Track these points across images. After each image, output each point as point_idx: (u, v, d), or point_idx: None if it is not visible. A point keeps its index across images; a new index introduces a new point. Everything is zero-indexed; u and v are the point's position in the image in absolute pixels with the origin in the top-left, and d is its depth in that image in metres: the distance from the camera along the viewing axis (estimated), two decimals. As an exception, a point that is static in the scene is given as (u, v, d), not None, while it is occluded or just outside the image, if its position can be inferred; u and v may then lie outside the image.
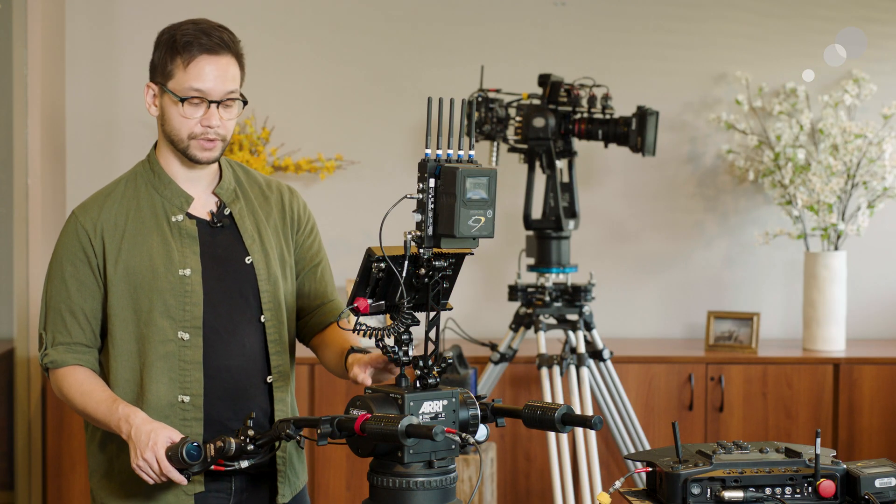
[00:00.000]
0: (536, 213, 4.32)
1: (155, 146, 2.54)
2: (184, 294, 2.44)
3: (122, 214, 2.47)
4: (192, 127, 2.43)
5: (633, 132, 4.13)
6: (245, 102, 2.49)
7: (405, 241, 2.13)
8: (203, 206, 2.52)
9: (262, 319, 2.52)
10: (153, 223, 2.47)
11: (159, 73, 2.46)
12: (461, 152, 2.12)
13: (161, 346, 2.43)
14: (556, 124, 4.19)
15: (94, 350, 2.49)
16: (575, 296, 4.26)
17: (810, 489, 2.21)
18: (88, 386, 2.44)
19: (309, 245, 2.63)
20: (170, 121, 2.45)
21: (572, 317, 4.36)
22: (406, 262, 2.14)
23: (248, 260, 2.51)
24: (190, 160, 2.47)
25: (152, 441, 2.30)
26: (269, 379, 2.53)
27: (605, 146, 4.24)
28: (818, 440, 2.20)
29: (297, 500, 2.61)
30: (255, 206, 2.57)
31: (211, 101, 2.42)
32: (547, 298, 4.24)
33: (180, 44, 2.42)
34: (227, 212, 2.53)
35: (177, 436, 2.32)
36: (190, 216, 2.50)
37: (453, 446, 2.12)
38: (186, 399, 2.44)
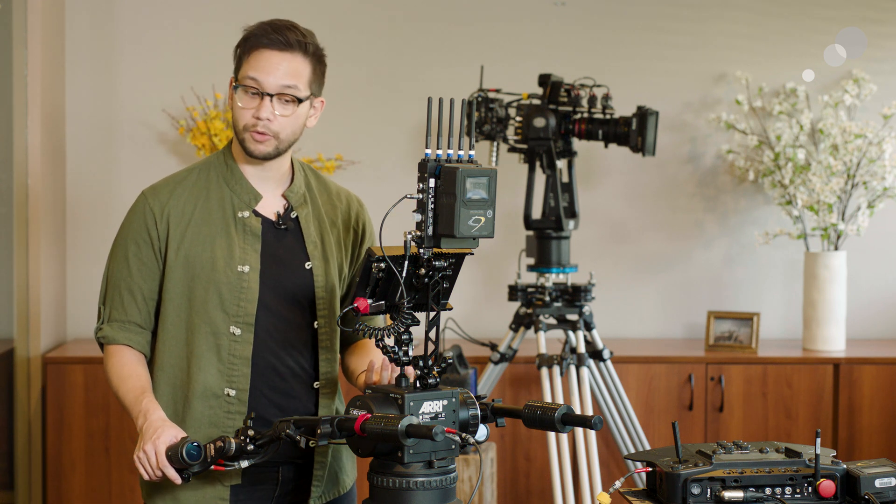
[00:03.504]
0: (536, 213, 4.32)
1: (232, 140, 2.57)
2: (240, 290, 2.46)
3: (191, 203, 2.49)
4: (246, 118, 2.45)
5: (633, 132, 4.13)
6: (300, 101, 2.46)
7: (405, 241, 2.13)
8: (271, 207, 2.54)
9: (316, 325, 2.53)
10: (219, 216, 2.49)
11: (235, 68, 2.50)
12: (461, 152, 2.12)
13: (212, 338, 2.45)
14: (557, 124, 4.19)
15: (147, 332, 2.51)
16: (575, 296, 4.26)
17: (810, 489, 2.21)
18: (128, 371, 2.46)
19: None
20: (233, 111, 2.49)
21: (572, 317, 4.36)
22: (406, 262, 2.14)
23: (307, 265, 2.52)
24: (245, 153, 2.49)
25: (156, 435, 2.31)
26: (315, 385, 2.54)
27: (605, 146, 4.24)
28: (818, 440, 2.20)
29: (348, 497, 2.62)
30: (321, 213, 2.57)
31: (265, 94, 2.43)
32: (547, 298, 4.24)
33: (250, 38, 2.47)
34: (293, 215, 2.54)
35: (182, 436, 2.32)
36: (256, 214, 2.51)
37: (453, 446, 2.12)
38: (232, 393, 2.46)
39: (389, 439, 2.03)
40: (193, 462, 2.27)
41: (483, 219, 2.09)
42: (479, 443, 2.18)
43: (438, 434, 1.97)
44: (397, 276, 2.14)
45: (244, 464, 2.30)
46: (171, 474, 2.30)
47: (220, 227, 2.48)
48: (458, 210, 2.06)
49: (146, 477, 2.34)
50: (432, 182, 2.09)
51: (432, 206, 2.10)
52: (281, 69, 2.43)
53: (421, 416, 2.13)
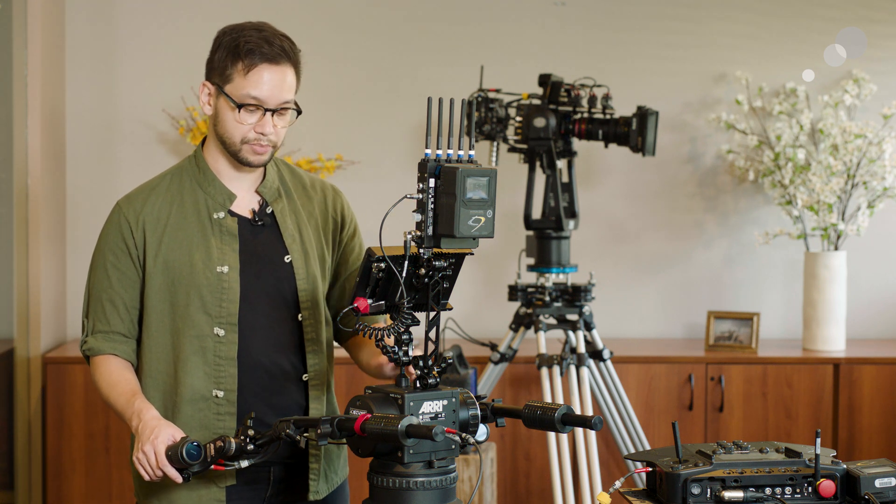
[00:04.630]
0: (536, 213, 4.32)
1: (203, 142, 2.56)
2: (221, 291, 2.46)
3: (165, 209, 2.50)
4: (245, 132, 2.45)
5: (633, 132, 4.13)
6: (299, 112, 2.49)
7: (405, 241, 2.13)
8: (246, 204, 2.54)
9: (300, 318, 2.53)
10: (195, 219, 2.49)
11: (217, 74, 2.48)
12: (461, 152, 2.12)
13: (196, 341, 2.46)
14: (557, 124, 4.19)
15: (132, 340, 2.52)
16: (575, 296, 4.26)
17: (810, 489, 2.21)
18: (116, 377, 2.47)
19: (352, 247, 2.65)
20: (224, 124, 2.47)
21: (572, 317, 4.36)
22: (406, 262, 2.14)
23: (286, 259, 2.53)
24: (240, 163, 2.49)
25: (154, 435, 2.31)
26: (304, 377, 2.55)
27: (606, 146, 4.24)
28: (818, 440, 2.20)
29: (338, 493, 2.63)
30: (297, 205, 2.58)
31: (267, 109, 2.43)
32: (547, 298, 4.24)
33: (243, 50, 2.43)
34: (268, 210, 2.55)
35: (180, 435, 2.33)
36: (232, 214, 2.52)
37: (453, 446, 2.12)
38: (220, 394, 2.46)
39: (389, 439, 2.03)
40: (193, 462, 2.27)
41: (483, 219, 2.09)
42: (479, 443, 2.18)
43: (438, 434, 1.97)
44: (397, 276, 2.14)
45: (244, 464, 2.30)
46: (172, 473, 2.30)
47: (197, 230, 2.49)
48: (458, 210, 2.06)
49: (146, 477, 2.34)
50: (432, 182, 2.09)
51: (432, 206, 2.10)
52: (280, 85, 2.43)
53: (421, 416, 2.13)
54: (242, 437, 2.27)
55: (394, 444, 2.06)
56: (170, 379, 2.48)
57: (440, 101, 2.11)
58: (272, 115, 2.44)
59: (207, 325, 2.46)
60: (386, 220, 2.13)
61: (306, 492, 2.55)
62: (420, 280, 2.16)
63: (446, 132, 2.11)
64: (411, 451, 2.10)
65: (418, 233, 2.12)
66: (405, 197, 2.13)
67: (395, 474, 2.12)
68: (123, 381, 2.46)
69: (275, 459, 2.49)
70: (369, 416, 2.09)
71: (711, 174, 4.99)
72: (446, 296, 2.22)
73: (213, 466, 2.31)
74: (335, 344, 2.66)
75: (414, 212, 2.11)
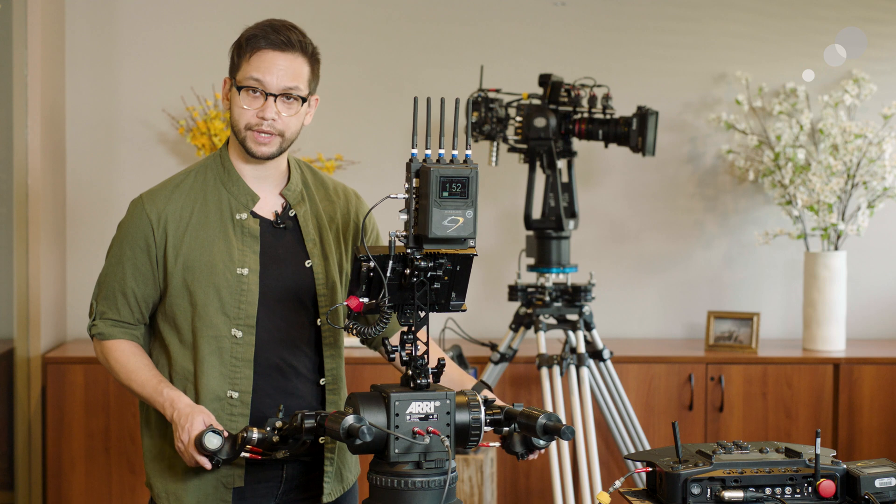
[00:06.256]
0: (536, 213, 4.32)
1: (227, 142, 2.58)
2: (240, 292, 2.47)
3: (188, 207, 2.50)
4: (248, 118, 2.46)
5: (633, 132, 4.13)
6: (304, 101, 2.49)
7: (390, 241, 2.13)
8: (269, 206, 2.55)
9: (318, 323, 2.54)
10: (217, 219, 2.50)
11: (231, 66, 2.51)
12: (455, 152, 2.11)
13: (214, 342, 2.47)
14: (557, 124, 4.19)
15: (141, 325, 2.55)
16: (575, 296, 4.26)
17: (810, 489, 2.21)
18: (134, 363, 2.50)
19: None
20: (232, 111, 2.49)
21: (572, 317, 4.36)
22: (391, 262, 2.14)
23: (307, 264, 2.53)
24: (247, 153, 2.49)
25: (189, 423, 2.35)
26: (321, 382, 2.55)
27: (606, 146, 4.24)
28: (818, 440, 2.20)
29: (350, 494, 2.63)
30: (319, 210, 2.59)
31: (268, 94, 2.44)
32: (547, 298, 4.24)
33: (249, 38, 2.47)
34: (291, 213, 2.55)
35: (210, 421, 2.36)
36: (255, 215, 2.52)
37: (446, 447, 2.11)
38: (235, 395, 2.47)
39: (336, 438, 2.05)
40: (211, 450, 2.29)
41: (461, 219, 2.08)
42: (466, 449, 2.19)
43: (365, 434, 2.00)
44: (380, 275, 2.14)
45: (280, 454, 2.31)
46: (201, 460, 2.34)
47: (218, 229, 2.49)
48: (430, 210, 2.06)
49: (187, 464, 2.38)
50: (416, 182, 2.09)
51: (416, 206, 2.10)
52: (283, 70, 2.45)
53: (409, 417, 2.12)
54: (268, 429, 2.29)
55: (344, 442, 2.08)
56: (190, 376, 2.50)
57: (428, 100, 2.10)
58: (275, 101, 2.44)
59: (225, 326, 2.47)
60: (391, 220, 2.13)
61: (320, 493, 2.56)
62: (407, 280, 2.16)
63: (437, 132, 2.11)
64: (396, 451, 2.10)
65: (405, 233, 2.12)
66: (387, 197, 2.13)
67: (395, 474, 2.12)
68: (143, 367, 2.49)
69: (288, 458, 2.50)
70: (333, 412, 2.12)
71: (711, 174, 4.99)
72: (460, 296, 2.22)
73: (249, 455, 2.33)
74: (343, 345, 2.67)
75: (400, 211, 2.11)
